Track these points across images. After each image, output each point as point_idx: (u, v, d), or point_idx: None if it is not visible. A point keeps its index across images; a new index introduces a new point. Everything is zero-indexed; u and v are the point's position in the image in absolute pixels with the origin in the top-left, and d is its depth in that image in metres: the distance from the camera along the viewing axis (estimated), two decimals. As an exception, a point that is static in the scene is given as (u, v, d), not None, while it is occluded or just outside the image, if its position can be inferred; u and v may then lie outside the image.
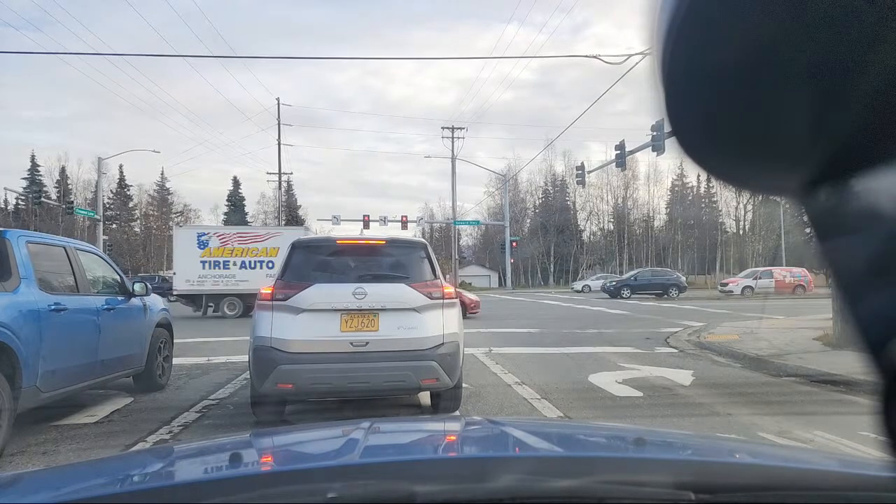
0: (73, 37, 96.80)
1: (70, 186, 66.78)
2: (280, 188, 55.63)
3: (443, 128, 57.72)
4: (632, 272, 40.27)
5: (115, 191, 70.16)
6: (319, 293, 5.70)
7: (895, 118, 0.37)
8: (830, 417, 6.18)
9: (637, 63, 19.51)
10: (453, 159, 55.14)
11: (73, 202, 47.88)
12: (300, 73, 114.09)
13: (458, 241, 66.68)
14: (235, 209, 76.36)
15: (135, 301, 7.60)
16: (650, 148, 23.15)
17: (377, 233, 40.92)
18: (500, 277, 68.64)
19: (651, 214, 73.70)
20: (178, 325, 9.14)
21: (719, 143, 0.45)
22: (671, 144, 0.46)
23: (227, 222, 75.91)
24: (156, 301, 8.39)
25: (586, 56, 30.61)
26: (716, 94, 0.42)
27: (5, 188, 47.47)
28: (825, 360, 9.06)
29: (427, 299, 5.82)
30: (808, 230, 0.44)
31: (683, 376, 8.57)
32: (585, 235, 75.55)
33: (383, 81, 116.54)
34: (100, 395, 7.43)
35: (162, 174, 70.83)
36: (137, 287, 7.75)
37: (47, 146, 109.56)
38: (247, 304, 21.68)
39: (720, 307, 24.85)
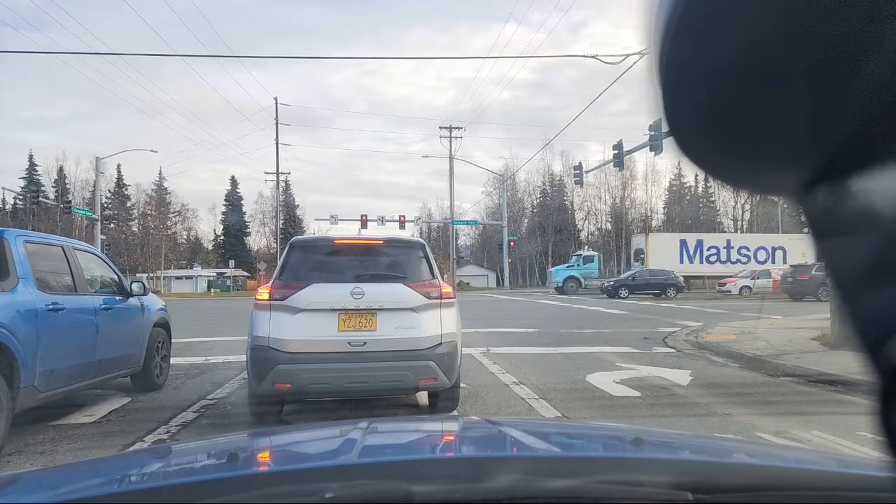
0: (70, 36, 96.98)
1: (68, 186, 66.70)
2: (278, 188, 55.66)
3: (440, 127, 57.67)
4: (629, 272, 40.30)
5: (112, 190, 70.08)
6: (317, 293, 5.69)
7: (893, 118, 0.37)
8: (828, 417, 6.19)
9: (635, 63, 19.57)
10: (451, 159, 55.21)
11: (70, 202, 47.94)
12: (298, 73, 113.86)
13: (456, 241, 66.76)
14: (233, 209, 76.31)
15: (132, 301, 7.59)
16: (648, 148, 23.22)
17: (375, 232, 40.93)
18: (497, 277, 68.61)
19: (649, 214, 73.82)
20: (175, 324, 9.13)
21: (717, 143, 0.45)
22: (669, 144, 0.46)
23: (224, 222, 75.99)
24: (154, 301, 8.38)
25: (584, 56, 30.62)
26: (713, 93, 0.42)
27: (3, 188, 47.28)
28: (823, 360, 9.06)
29: (425, 299, 5.82)
30: (805, 230, 0.44)
31: (681, 376, 8.58)
32: (583, 235, 75.55)
33: (381, 81, 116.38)
34: (98, 395, 7.42)
35: (160, 174, 70.72)
36: (135, 287, 7.74)
37: (45, 146, 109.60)
38: None
39: (718, 307, 24.86)
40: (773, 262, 41.78)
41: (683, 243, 43.16)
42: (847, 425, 5.63)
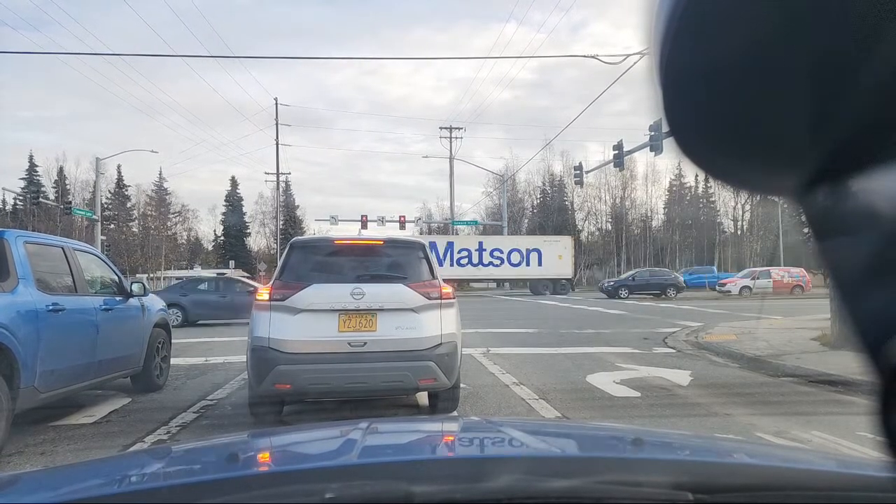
0: (70, 36, 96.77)
1: (68, 187, 66.57)
2: (278, 188, 55.65)
3: (441, 128, 57.62)
4: (629, 272, 40.31)
5: (113, 191, 69.96)
6: (317, 293, 5.70)
7: (893, 118, 0.37)
8: (828, 417, 6.19)
9: (635, 63, 19.58)
10: (451, 159, 55.15)
11: (71, 202, 47.90)
12: (298, 73, 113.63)
13: (456, 242, 66.61)
14: (233, 209, 76.28)
15: (133, 301, 7.59)
16: (648, 148, 23.22)
17: (375, 233, 41.03)
18: (497, 277, 68.54)
19: (649, 214, 73.68)
20: (174, 325, 9.13)
21: (717, 143, 0.45)
22: (669, 144, 0.46)
23: (224, 223, 76.00)
24: (154, 301, 8.39)
25: (584, 56, 30.67)
26: (713, 93, 0.42)
27: (3, 188, 47.29)
28: (823, 361, 9.07)
29: (425, 299, 5.82)
30: (805, 230, 0.44)
31: (681, 376, 8.58)
32: (583, 236, 75.40)
33: (381, 81, 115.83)
34: (98, 396, 7.42)
35: (160, 174, 70.60)
36: (135, 287, 7.74)
37: (45, 146, 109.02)
38: None
39: (718, 307, 24.86)
40: (528, 264, 42.10)
41: (433, 246, 42.59)
42: (847, 425, 5.63)
